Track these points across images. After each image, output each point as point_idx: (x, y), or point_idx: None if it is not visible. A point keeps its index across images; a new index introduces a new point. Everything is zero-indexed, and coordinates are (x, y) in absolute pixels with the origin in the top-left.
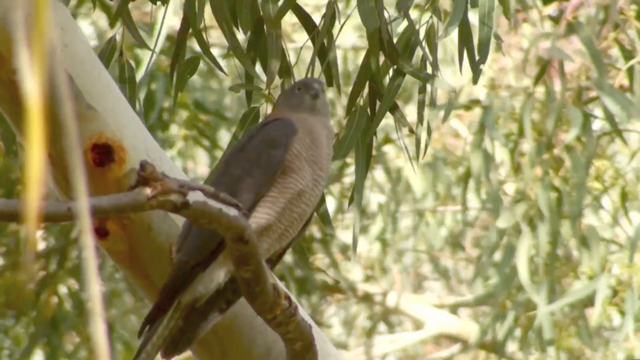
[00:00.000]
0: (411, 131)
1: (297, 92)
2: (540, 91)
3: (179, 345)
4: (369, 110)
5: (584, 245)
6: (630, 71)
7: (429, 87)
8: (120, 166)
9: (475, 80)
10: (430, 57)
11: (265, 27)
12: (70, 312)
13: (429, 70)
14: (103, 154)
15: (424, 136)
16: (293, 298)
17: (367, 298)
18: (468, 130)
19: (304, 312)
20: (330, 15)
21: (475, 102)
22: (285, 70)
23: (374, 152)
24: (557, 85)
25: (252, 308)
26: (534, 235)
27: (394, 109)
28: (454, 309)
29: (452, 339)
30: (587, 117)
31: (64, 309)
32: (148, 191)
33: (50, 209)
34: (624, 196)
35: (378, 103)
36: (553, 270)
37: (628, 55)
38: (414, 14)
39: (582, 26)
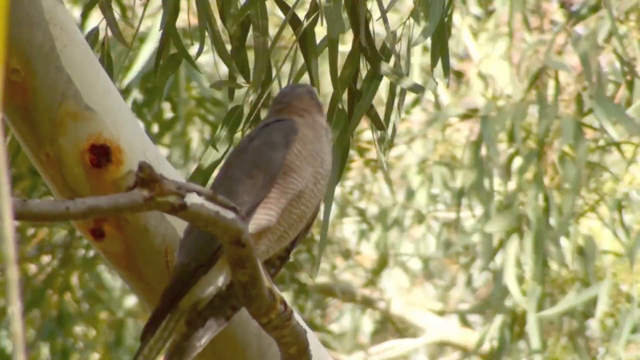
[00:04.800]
0: (379, 127)
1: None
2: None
3: (185, 352)
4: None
5: (580, 254)
6: (631, 84)
7: (399, 89)
8: (117, 167)
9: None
10: (403, 61)
11: (251, 26)
12: (76, 309)
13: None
14: (101, 155)
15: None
16: (288, 303)
17: (367, 303)
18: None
19: (299, 317)
20: (313, 14)
21: (473, 111)
22: (268, 68)
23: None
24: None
25: (248, 311)
26: (522, 243)
27: (370, 110)
28: (460, 315)
29: (453, 346)
30: (580, 127)
31: (69, 305)
32: (146, 192)
33: (48, 208)
34: (620, 206)
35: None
36: (542, 277)
37: (628, 68)
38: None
39: (579, 39)
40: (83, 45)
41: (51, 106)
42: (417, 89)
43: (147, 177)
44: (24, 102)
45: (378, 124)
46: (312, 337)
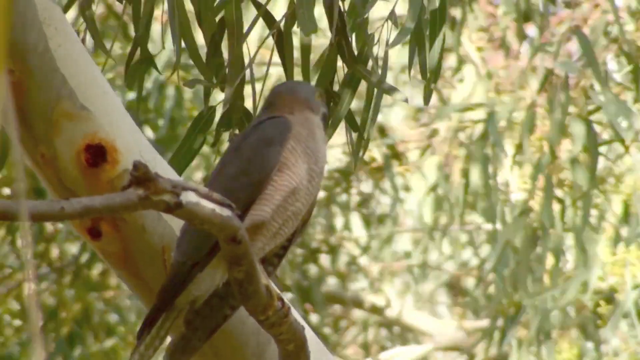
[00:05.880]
0: (356, 130)
1: (318, 99)
2: (541, 101)
3: (185, 352)
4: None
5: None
6: (636, 79)
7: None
8: (113, 167)
9: (426, 100)
10: (379, 64)
11: (226, 29)
12: (88, 327)
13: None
14: (96, 155)
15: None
16: (286, 299)
17: (374, 310)
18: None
19: (296, 314)
20: (290, 14)
21: (478, 105)
22: (241, 66)
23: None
24: (560, 96)
25: (245, 309)
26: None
27: (347, 113)
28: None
29: (459, 351)
30: (591, 130)
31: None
32: (141, 191)
33: (43, 208)
34: (626, 208)
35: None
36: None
37: (633, 64)
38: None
39: (584, 36)
40: (78, 45)
41: (46, 106)
42: (391, 90)
43: (142, 176)
44: (19, 103)
45: (353, 126)
46: (311, 334)
